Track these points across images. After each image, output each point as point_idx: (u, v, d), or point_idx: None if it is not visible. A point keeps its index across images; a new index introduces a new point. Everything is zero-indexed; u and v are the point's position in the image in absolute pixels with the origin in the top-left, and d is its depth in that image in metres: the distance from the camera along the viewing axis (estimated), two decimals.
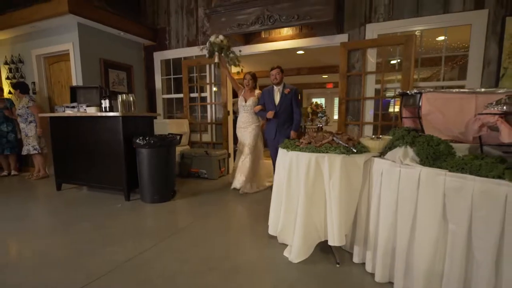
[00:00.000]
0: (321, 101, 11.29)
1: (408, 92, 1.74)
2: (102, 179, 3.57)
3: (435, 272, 1.46)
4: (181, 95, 5.29)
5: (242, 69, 3.89)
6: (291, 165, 1.95)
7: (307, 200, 1.85)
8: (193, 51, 4.94)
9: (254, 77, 3.87)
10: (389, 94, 4.13)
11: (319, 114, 7.38)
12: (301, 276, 1.79)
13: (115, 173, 3.43)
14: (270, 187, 3.70)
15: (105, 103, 3.41)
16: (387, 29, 3.73)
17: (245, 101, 3.80)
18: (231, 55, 3.74)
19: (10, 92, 5.17)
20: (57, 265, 1.97)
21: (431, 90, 1.59)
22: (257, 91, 3.84)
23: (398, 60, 3.83)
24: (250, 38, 4.51)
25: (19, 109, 4.54)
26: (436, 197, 1.42)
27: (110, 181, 3.52)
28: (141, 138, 3.22)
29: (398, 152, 1.59)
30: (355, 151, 1.76)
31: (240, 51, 3.85)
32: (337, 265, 1.90)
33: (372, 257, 1.76)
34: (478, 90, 1.51)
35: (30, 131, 4.53)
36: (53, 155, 3.89)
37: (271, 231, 2.19)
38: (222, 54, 3.72)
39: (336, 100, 11.22)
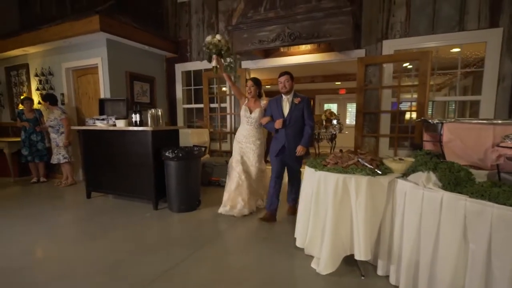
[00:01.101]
0: (333, 106, 11.40)
1: (430, 121, 1.90)
2: (131, 189, 3.80)
3: (457, 285, 1.60)
4: (200, 105, 5.52)
5: (235, 80, 3.57)
6: (319, 184, 2.12)
7: (335, 217, 2.02)
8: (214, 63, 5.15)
9: (257, 83, 3.44)
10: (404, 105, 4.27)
11: (333, 122, 7.54)
12: (337, 283, 1.96)
13: (144, 183, 3.65)
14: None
15: (136, 117, 3.63)
16: (403, 45, 3.87)
17: (250, 112, 3.40)
18: (228, 59, 3.41)
19: (39, 103, 5.48)
20: (104, 274, 2.17)
21: (452, 120, 1.75)
22: (264, 101, 3.43)
23: (411, 67, 3.97)
24: (270, 52, 4.70)
25: (51, 121, 4.81)
26: (457, 219, 1.56)
27: (139, 190, 3.74)
28: (170, 151, 3.43)
29: (421, 176, 1.75)
30: (380, 173, 1.92)
31: (238, 57, 3.49)
32: (362, 278, 2.06)
33: (396, 270, 1.91)
34: (495, 121, 1.66)
35: (61, 141, 4.81)
36: (83, 165, 4.16)
37: (298, 244, 2.36)
38: (222, 58, 3.39)
39: (349, 106, 11.34)
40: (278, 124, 3.04)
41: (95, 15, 4.16)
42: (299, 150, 3.05)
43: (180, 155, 3.41)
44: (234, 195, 3.41)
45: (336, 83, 9.23)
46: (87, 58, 4.79)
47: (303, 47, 4.46)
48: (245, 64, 4.94)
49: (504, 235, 1.40)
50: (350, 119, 11.33)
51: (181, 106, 5.76)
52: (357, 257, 1.95)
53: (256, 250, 2.56)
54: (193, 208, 3.63)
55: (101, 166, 3.98)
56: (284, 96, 3.13)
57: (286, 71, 3.10)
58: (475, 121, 1.71)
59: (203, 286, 2.01)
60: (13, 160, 5.40)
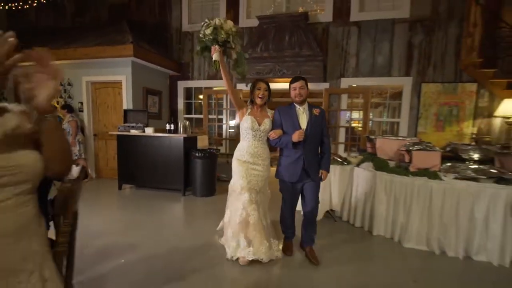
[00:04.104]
0: None
1: (370, 137, 3.65)
2: (162, 181, 5.01)
3: (387, 218, 3.30)
4: (198, 116, 6.84)
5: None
6: None
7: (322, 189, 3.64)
8: (212, 83, 6.55)
9: (269, 87, 2.75)
10: (354, 118, 6.13)
11: None
12: (321, 225, 3.54)
13: (175, 176, 4.91)
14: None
15: (170, 126, 4.89)
16: (354, 82, 5.74)
17: (259, 124, 2.68)
18: (236, 55, 2.74)
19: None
20: (188, 228, 3.50)
21: (381, 136, 3.50)
22: (270, 111, 2.80)
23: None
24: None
25: (63, 125, 5.72)
26: (383, 183, 3.27)
27: (169, 182, 4.97)
28: (198, 152, 4.76)
29: (366, 165, 3.46)
30: (346, 163, 3.60)
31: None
32: (335, 221, 3.71)
33: (353, 216, 3.60)
34: (399, 138, 3.45)
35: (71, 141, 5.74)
36: (118, 162, 5.22)
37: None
38: (225, 55, 2.68)
39: None
40: (297, 136, 2.45)
41: (129, 44, 5.28)
42: (324, 176, 2.64)
43: (206, 155, 4.77)
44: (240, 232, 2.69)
45: None
46: (111, 75, 5.80)
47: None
48: (240, 86, 6.42)
49: (401, 189, 3.13)
50: None
51: (182, 116, 6.99)
52: (334, 209, 3.60)
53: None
54: (212, 194, 4.98)
55: (134, 163, 5.11)
56: (297, 106, 2.61)
57: (300, 76, 2.60)
58: (391, 138, 3.48)
59: None
60: None
